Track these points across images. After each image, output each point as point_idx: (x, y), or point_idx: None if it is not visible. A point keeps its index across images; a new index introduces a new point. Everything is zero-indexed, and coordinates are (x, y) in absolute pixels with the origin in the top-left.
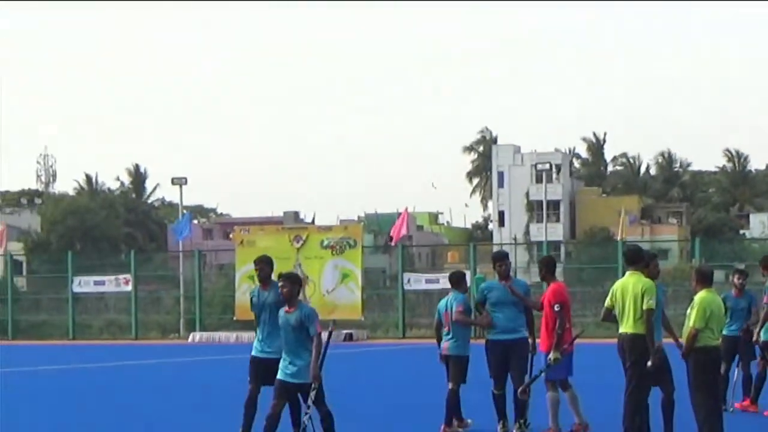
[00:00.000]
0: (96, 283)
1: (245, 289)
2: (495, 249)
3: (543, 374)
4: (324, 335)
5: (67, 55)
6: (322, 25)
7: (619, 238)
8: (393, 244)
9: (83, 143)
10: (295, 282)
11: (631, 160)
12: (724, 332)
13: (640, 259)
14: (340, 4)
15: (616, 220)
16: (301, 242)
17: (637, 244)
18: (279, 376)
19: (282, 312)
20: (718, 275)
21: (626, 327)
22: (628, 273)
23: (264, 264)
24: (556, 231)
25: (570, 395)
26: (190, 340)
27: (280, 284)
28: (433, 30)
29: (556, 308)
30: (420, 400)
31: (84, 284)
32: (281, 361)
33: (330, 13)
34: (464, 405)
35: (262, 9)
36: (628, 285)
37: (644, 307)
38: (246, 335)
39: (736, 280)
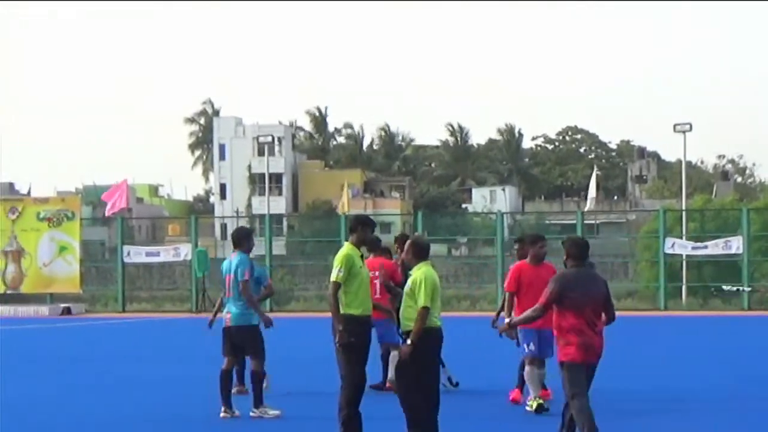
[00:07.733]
0: None
1: None
2: (217, 222)
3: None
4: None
5: None
6: None
7: (341, 211)
8: (110, 215)
9: None
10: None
11: (357, 134)
12: None
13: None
14: None
15: (339, 193)
16: (16, 214)
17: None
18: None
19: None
20: (441, 248)
21: None
22: None
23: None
24: (279, 204)
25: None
26: None
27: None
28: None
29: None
30: (142, 374)
31: None
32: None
33: None
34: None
35: None
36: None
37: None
38: None
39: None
